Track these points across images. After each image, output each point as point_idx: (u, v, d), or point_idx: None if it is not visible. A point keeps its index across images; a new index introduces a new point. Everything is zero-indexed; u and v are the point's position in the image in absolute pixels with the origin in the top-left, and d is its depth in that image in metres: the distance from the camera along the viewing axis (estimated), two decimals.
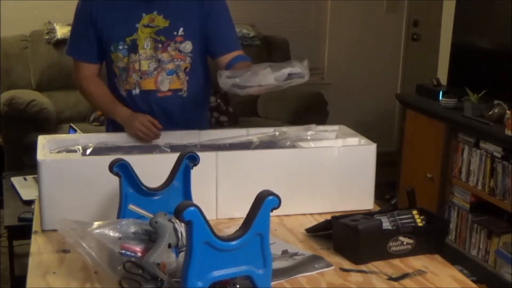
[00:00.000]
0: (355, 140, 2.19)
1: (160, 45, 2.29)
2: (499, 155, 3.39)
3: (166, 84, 2.33)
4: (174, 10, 2.28)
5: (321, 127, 2.29)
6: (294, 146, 2.13)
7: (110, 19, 2.28)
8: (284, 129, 2.27)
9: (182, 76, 2.34)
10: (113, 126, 2.41)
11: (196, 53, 2.33)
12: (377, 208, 2.00)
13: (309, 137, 2.21)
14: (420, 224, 1.78)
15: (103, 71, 2.43)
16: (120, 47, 2.29)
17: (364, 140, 2.16)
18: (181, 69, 2.33)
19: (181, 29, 2.29)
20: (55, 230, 1.72)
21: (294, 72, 1.86)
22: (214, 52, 2.36)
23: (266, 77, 1.82)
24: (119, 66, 2.34)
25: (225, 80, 1.88)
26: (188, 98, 2.36)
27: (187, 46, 2.31)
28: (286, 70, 1.84)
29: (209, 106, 2.62)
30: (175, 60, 2.31)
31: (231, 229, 1.79)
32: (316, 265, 1.67)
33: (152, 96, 2.34)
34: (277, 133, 2.23)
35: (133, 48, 2.29)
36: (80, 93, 2.46)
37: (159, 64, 2.30)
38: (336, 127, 2.31)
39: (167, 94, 2.34)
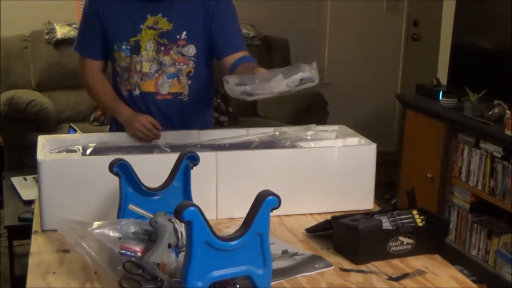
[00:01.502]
0: (355, 140, 2.19)
1: (162, 48, 2.28)
2: (499, 155, 3.39)
3: (166, 87, 2.32)
4: (179, 14, 2.27)
5: (321, 127, 2.29)
6: (294, 146, 2.13)
7: (115, 19, 2.28)
8: (284, 129, 2.27)
9: (184, 80, 2.33)
10: (117, 124, 2.41)
11: (200, 57, 2.32)
12: (377, 208, 2.00)
13: (309, 137, 2.21)
14: (420, 224, 1.78)
15: (109, 69, 2.44)
16: (123, 47, 2.29)
17: (364, 140, 2.16)
18: (183, 73, 2.32)
19: (184, 32, 2.28)
20: (55, 230, 1.72)
21: (305, 76, 1.84)
22: (219, 53, 2.32)
23: (279, 84, 1.79)
24: (121, 66, 2.34)
25: (233, 87, 1.83)
26: (188, 102, 2.36)
27: (190, 50, 2.30)
28: (298, 76, 1.82)
29: (212, 110, 2.60)
30: (177, 63, 2.30)
31: (231, 229, 1.79)
32: (316, 265, 1.67)
33: (152, 98, 2.33)
34: (277, 133, 2.23)
35: (136, 49, 2.29)
36: (85, 89, 2.47)
37: (160, 66, 2.30)
38: (336, 127, 2.31)
39: (167, 98, 2.33)
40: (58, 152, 2.04)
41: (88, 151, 2.07)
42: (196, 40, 2.30)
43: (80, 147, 2.07)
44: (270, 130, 2.26)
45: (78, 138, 2.17)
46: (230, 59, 2.29)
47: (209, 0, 2.29)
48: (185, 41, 2.29)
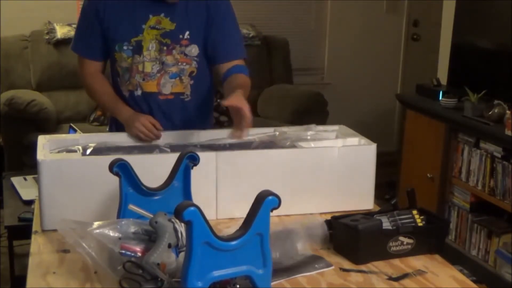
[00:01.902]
0: (355, 140, 2.19)
1: (165, 48, 2.27)
2: (499, 155, 3.39)
3: (168, 87, 2.32)
4: (181, 13, 2.26)
5: (321, 127, 2.29)
6: (294, 146, 2.13)
7: (116, 19, 2.26)
8: (284, 129, 2.26)
9: (186, 80, 2.32)
10: (116, 124, 2.41)
11: (202, 57, 2.31)
12: (377, 208, 2.00)
13: (309, 137, 2.21)
14: (420, 224, 1.78)
15: (108, 68, 2.43)
16: (125, 47, 2.28)
17: (364, 140, 2.16)
18: (185, 73, 2.31)
19: (187, 32, 2.27)
20: (55, 230, 1.72)
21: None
22: (213, 59, 2.32)
23: None
24: (122, 66, 2.33)
25: None
26: (190, 102, 2.35)
27: (193, 50, 2.29)
28: None
29: (213, 110, 2.60)
30: (179, 63, 2.30)
31: (231, 229, 1.79)
32: (316, 265, 1.67)
33: (154, 98, 2.32)
34: (277, 133, 2.23)
35: (138, 49, 2.28)
36: (84, 89, 2.46)
37: (162, 66, 2.29)
38: (336, 127, 2.31)
39: (169, 98, 2.33)
40: (58, 152, 2.04)
41: (88, 151, 2.07)
42: (199, 40, 2.29)
43: (80, 147, 2.07)
44: (270, 130, 2.25)
45: (78, 138, 2.17)
46: (224, 67, 2.30)
47: (211, 0, 2.29)
48: (188, 41, 2.28)
